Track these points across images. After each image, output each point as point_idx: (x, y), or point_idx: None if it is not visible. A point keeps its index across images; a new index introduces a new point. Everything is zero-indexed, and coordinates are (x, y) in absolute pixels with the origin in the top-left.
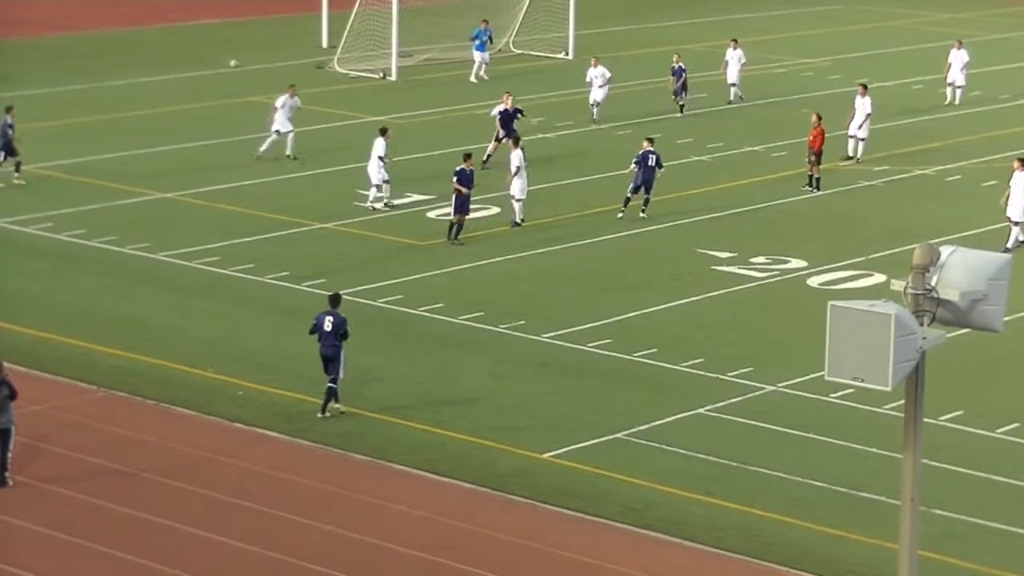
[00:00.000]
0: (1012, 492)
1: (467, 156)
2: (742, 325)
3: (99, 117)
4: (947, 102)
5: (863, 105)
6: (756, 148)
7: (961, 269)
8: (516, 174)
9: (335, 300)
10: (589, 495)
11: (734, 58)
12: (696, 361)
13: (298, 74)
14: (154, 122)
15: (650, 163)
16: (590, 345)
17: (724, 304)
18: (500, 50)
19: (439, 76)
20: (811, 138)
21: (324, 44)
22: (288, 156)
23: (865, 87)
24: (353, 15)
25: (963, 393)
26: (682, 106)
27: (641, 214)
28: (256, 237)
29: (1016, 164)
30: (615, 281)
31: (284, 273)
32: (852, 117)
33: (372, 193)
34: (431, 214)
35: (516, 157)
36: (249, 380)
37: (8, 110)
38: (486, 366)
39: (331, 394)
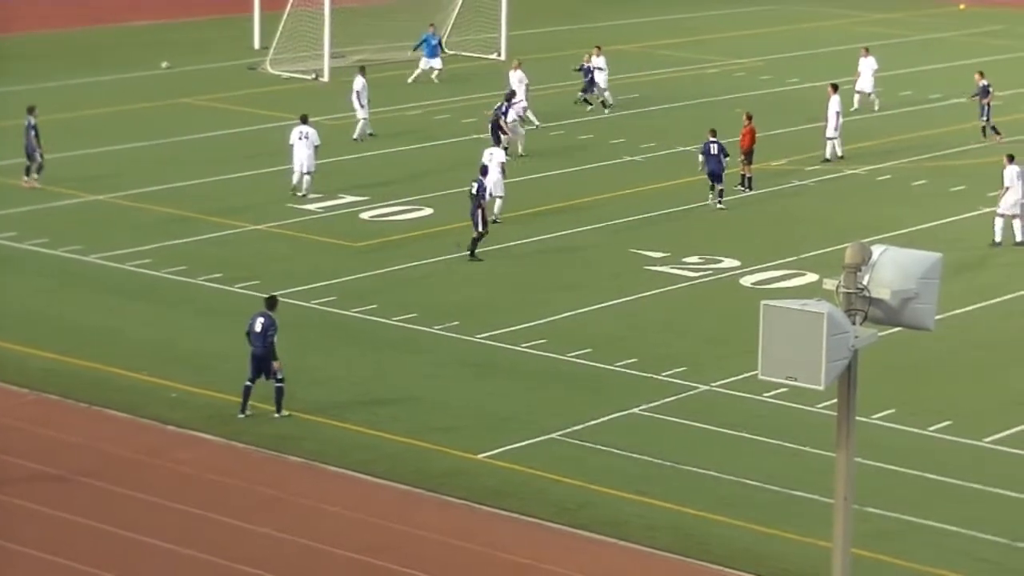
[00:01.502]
0: (944, 489)
1: (485, 169)
2: (676, 325)
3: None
4: (853, 109)
5: (833, 104)
6: (688, 148)
7: (892, 268)
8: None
9: (270, 302)
10: (524, 495)
11: (598, 64)
12: (630, 361)
13: (230, 75)
14: (85, 124)
15: (713, 152)
16: (524, 345)
17: (658, 304)
18: (307, 115)
19: (371, 77)
20: (741, 137)
21: (256, 45)
22: (363, 137)
23: (835, 86)
24: (285, 16)
25: (895, 391)
26: (587, 101)
27: (719, 206)
28: (189, 239)
29: (1006, 160)
30: (549, 281)
31: (218, 275)
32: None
33: (307, 181)
34: (364, 215)
35: (500, 155)
36: (183, 382)
37: (30, 110)
38: (421, 367)
39: (279, 394)
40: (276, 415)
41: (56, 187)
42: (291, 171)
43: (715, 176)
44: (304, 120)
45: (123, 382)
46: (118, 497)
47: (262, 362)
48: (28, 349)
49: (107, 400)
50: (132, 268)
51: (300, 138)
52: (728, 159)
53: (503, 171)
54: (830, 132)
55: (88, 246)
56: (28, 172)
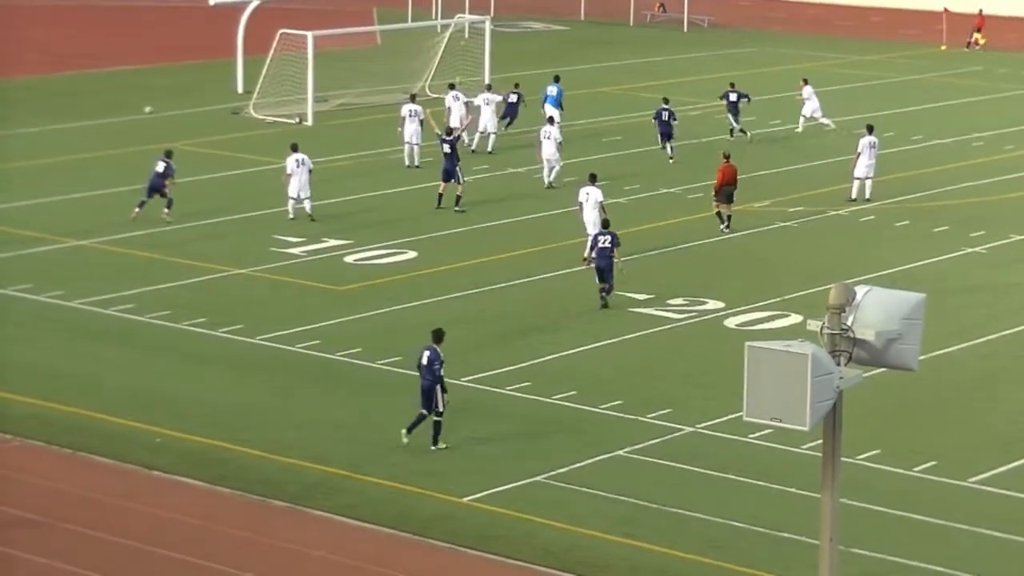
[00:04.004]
0: (929, 530)
1: (607, 222)
2: (660, 367)
3: (10, 165)
4: (797, 131)
5: (867, 144)
6: (672, 190)
7: (876, 309)
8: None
9: (437, 335)
10: (510, 539)
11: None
12: (615, 403)
13: (214, 120)
14: (67, 169)
15: (664, 118)
16: (509, 388)
17: (642, 346)
18: (416, 94)
19: (354, 121)
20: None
21: (240, 89)
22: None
23: (870, 127)
24: (268, 60)
25: (880, 432)
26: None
27: (669, 161)
28: (172, 284)
29: None
30: (533, 324)
31: (201, 320)
32: (856, 159)
33: (309, 205)
34: (348, 259)
35: (597, 194)
36: (166, 427)
37: (168, 155)
38: (405, 411)
39: (436, 428)
40: (432, 447)
41: (37, 232)
42: (287, 199)
43: (665, 136)
44: (295, 148)
45: (106, 427)
46: (99, 542)
47: (429, 394)
48: (9, 395)
49: (90, 446)
50: (114, 313)
51: (298, 165)
52: (677, 123)
53: (603, 210)
54: (860, 171)
55: (70, 291)
56: (141, 206)
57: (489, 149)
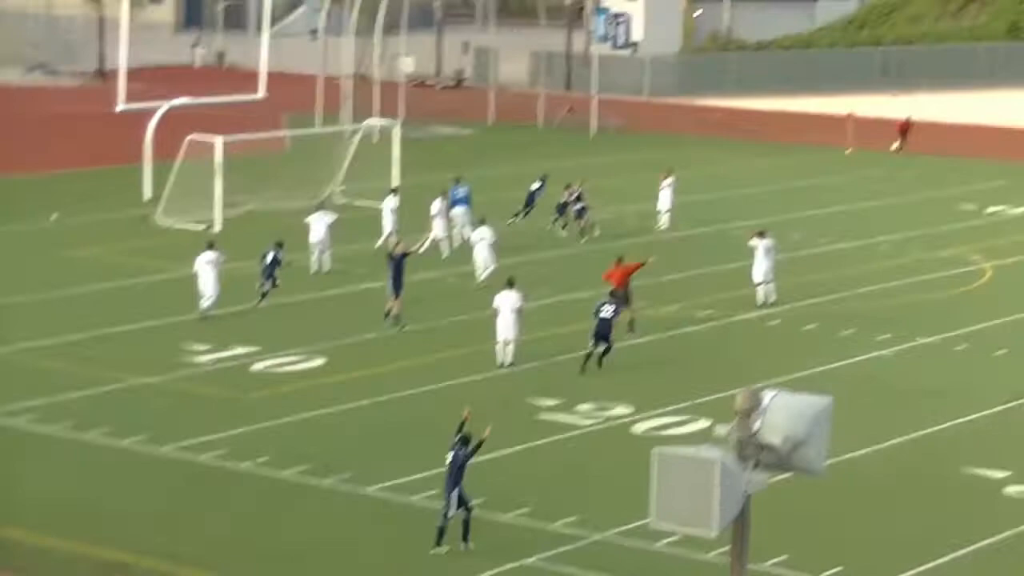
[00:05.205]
0: None
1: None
2: (569, 473)
3: None
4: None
5: (763, 248)
6: (580, 295)
7: (783, 413)
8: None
9: (463, 438)
10: None
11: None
12: (523, 511)
13: (121, 227)
14: None
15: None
16: (416, 496)
17: (551, 452)
18: (324, 200)
19: (263, 227)
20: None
21: (148, 196)
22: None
23: (761, 232)
24: (176, 166)
25: (788, 537)
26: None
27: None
28: (78, 393)
29: None
30: (439, 432)
31: (106, 429)
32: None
33: (211, 303)
34: (255, 367)
35: (514, 298)
36: (70, 539)
37: (279, 245)
38: (312, 520)
39: (464, 526)
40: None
41: None
42: (199, 296)
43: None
44: (211, 246)
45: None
46: None
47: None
48: None
49: None
50: (17, 423)
51: (207, 263)
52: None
53: (519, 314)
54: (758, 276)
55: None
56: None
57: (444, 255)
